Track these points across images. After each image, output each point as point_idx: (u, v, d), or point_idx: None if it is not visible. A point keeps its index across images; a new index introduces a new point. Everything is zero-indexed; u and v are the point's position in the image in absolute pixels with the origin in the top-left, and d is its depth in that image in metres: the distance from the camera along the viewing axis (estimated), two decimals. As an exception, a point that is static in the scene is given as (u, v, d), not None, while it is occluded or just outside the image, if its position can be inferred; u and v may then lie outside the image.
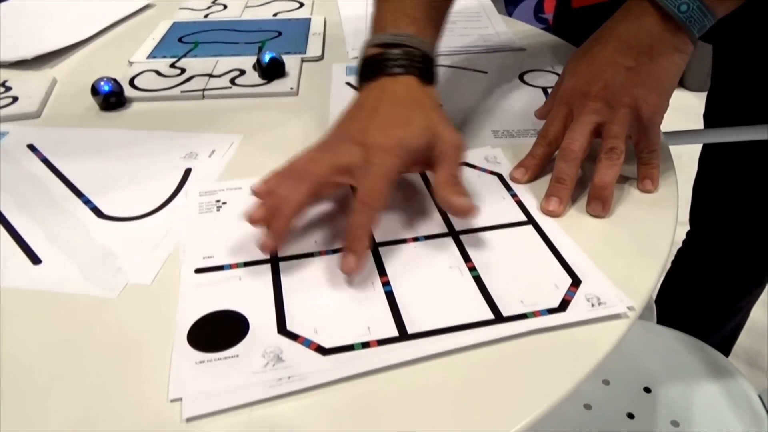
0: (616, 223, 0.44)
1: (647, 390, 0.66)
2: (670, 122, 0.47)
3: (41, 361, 0.33)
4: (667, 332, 0.73)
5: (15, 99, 0.60)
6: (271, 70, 0.64)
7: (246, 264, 0.40)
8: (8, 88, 0.63)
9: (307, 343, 0.34)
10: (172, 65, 0.68)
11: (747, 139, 0.66)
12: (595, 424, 0.62)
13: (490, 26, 0.78)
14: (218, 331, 0.35)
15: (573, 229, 0.43)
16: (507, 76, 0.65)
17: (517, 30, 0.77)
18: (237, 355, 0.33)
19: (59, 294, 0.37)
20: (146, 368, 0.33)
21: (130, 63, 0.69)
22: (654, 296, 0.91)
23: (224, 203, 0.46)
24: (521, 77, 0.65)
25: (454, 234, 0.42)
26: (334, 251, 0.41)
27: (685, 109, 0.47)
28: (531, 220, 0.44)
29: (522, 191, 0.47)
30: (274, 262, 0.40)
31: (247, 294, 0.37)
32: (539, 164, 0.48)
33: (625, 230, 0.43)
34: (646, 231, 0.43)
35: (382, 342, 0.34)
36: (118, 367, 0.33)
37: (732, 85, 0.68)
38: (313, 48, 0.72)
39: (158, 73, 0.66)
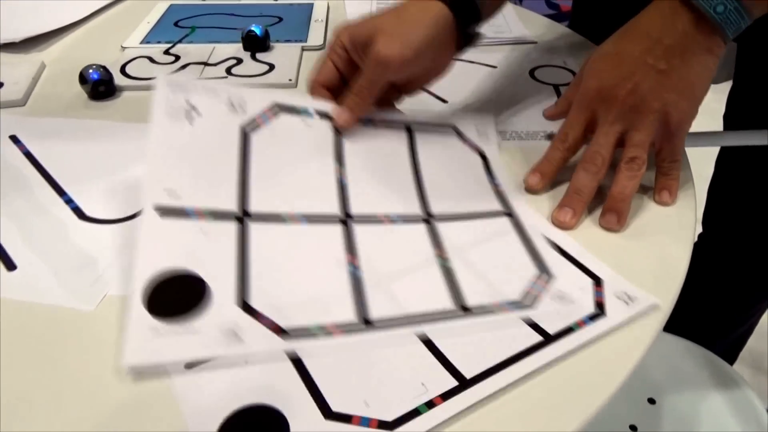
0: (628, 237, 0.41)
1: (651, 401, 0.64)
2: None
3: (7, 381, 0.31)
4: (673, 340, 0.71)
5: (0, 85, 0.58)
6: (255, 44, 0.65)
7: (212, 214, 0.36)
8: (-6, 73, 0.60)
9: (267, 323, 0.32)
10: (167, 51, 0.65)
11: None
12: (596, 436, 0.60)
13: (500, 16, 0.75)
14: (176, 297, 0.32)
15: (583, 242, 0.40)
16: (517, 72, 0.62)
17: (529, 21, 0.74)
18: (193, 326, 0.31)
19: (33, 304, 0.35)
20: (123, 392, 0.30)
21: (123, 48, 0.66)
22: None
23: (195, 110, 0.40)
24: (531, 73, 0.61)
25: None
26: (307, 218, 0.39)
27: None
28: (512, 215, 0.42)
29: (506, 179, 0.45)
30: (242, 220, 0.37)
31: (210, 256, 0.34)
32: (556, 170, 0.45)
33: (638, 246, 0.40)
34: (661, 247, 0.40)
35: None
36: (90, 389, 0.30)
37: (756, 86, 0.64)
38: (315, 36, 0.69)
39: (151, 59, 0.63)
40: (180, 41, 0.67)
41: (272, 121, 0.43)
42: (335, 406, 0.29)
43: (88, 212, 0.42)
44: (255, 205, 0.38)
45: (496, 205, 0.43)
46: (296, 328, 0.32)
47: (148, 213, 0.35)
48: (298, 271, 0.36)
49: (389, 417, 0.29)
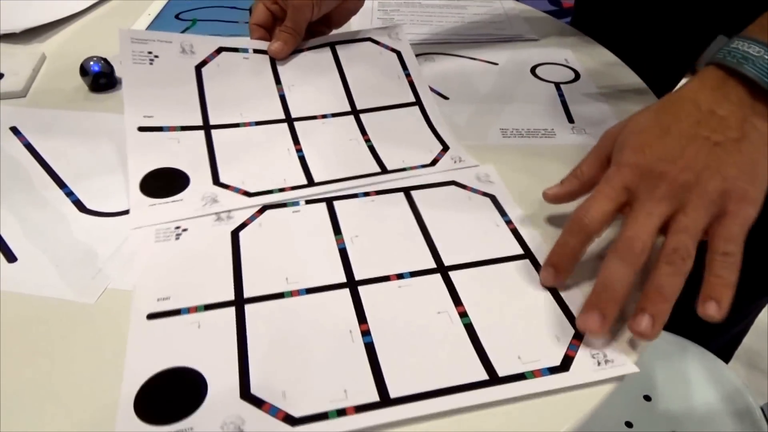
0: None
1: (647, 398, 0.65)
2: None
3: (7, 373, 0.31)
4: (670, 338, 0.71)
5: (0, 76, 0.57)
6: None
7: (182, 127, 0.47)
8: (-6, 64, 0.60)
9: (237, 190, 0.43)
10: (168, 44, 0.65)
11: None
12: (592, 432, 0.61)
13: (502, 12, 0.75)
14: (164, 183, 0.43)
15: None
16: (518, 69, 0.62)
17: (531, 18, 0.74)
18: (180, 197, 0.42)
19: (33, 297, 0.35)
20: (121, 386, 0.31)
21: (124, 40, 0.66)
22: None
23: (154, 55, 0.50)
24: (533, 71, 0.61)
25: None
26: (257, 123, 0.48)
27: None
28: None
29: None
30: (206, 129, 0.47)
31: (185, 154, 0.45)
32: (573, 260, 0.37)
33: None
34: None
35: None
36: (91, 384, 0.31)
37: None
38: (316, 30, 0.69)
39: (152, 52, 0.63)
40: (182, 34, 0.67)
41: (216, 58, 0.52)
42: (255, 389, 0.30)
43: (88, 205, 0.42)
44: (214, 119, 0.48)
45: (409, 97, 0.52)
46: (260, 191, 0.43)
47: (131, 132, 0.45)
48: (257, 157, 0.45)
49: (297, 413, 0.29)
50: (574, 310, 0.35)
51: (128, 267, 0.37)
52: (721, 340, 0.88)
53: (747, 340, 0.96)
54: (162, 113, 0.47)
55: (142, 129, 0.46)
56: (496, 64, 0.63)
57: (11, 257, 0.38)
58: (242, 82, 0.51)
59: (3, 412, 0.29)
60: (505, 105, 0.56)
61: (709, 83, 0.37)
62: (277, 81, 0.52)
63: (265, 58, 0.53)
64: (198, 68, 0.51)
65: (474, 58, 0.63)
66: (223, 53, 0.52)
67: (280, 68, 0.53)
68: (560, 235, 0.37)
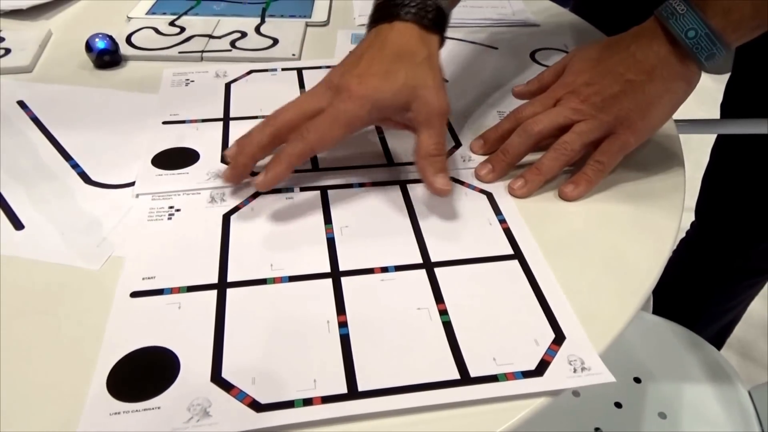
0: (619, 210, 0.42)
1: (637, 380, 0.66)
2: (683, 107, 0.44)
3: (14, 333, 0.32)
4: (662, 323, 0.72)
5: (8, 51, 0.58)
6: None
7: (204, 120, 0.50)
8: (1, 39, 0.60)
9: None
10: (172, 23, 0.65)
11: (766, 133, 0.64)
12: (582, 411, 0.62)
13: (504, -2, 0.75)
14: (175, 160, 0.45)
15: (575, 219, 0.41)
16: (518, 54, 0.62)
17: (533, 3, 0.74)
18: (187, 172, 0.44)
19: (40, 262, 0.36)
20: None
21: (129, 18, 0.66)
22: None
23: (192, 81, 0.55)
24: (532, 55, 0.62)
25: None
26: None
27: (699, 92, 0.44)
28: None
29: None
30: (225, 121, 0.50)
31: (200, 145, 0.47)
32: (500, 139, 0.46)
33: (628, 219, 0.42)
34: (651, 218, 0.42)
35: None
36: (95, 344, 0.32)
37: (755, 75, 0.65)
38: (319, 12, 0.70)
39: (157, 30, 0.64)
40: (185, 13, 0.68)
41: (246, 77, 0.57)
42: (226, 373, 0.30)
43: (93, 177, 0.44)
44: (234, 114, 0.51)
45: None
46: (259, 167, 0.42)
47: (155, 125, 0.49)
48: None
49: (263, 400, 0.29)
50: (558, 315, 0.35)
51: (131, 236, 0.38)
52: (714, 328, 0.89)
53: (740, 331, 0.97)
54: (186, 112, 0.51)
55: (165, 123, 0.49)
56: (496, 48, 0.63)
57: (18, 224, 0.39)
58: (267, 89, 0.55)
59: (10, 372, 0.31)
60: (504, 88, 0.56)
61: (646, 31, 0.43)
62: (302, 86, 0.55)
63: (293, 73, 0.57)
64: (228, 85, 0.55)
65: (474, 42, 0.64)
66: (253, 73, 0.57)
67: (306, 78, 0.56)
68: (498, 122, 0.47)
